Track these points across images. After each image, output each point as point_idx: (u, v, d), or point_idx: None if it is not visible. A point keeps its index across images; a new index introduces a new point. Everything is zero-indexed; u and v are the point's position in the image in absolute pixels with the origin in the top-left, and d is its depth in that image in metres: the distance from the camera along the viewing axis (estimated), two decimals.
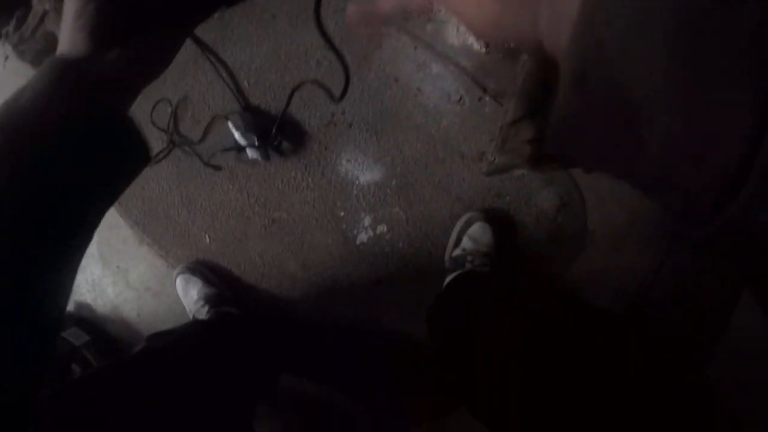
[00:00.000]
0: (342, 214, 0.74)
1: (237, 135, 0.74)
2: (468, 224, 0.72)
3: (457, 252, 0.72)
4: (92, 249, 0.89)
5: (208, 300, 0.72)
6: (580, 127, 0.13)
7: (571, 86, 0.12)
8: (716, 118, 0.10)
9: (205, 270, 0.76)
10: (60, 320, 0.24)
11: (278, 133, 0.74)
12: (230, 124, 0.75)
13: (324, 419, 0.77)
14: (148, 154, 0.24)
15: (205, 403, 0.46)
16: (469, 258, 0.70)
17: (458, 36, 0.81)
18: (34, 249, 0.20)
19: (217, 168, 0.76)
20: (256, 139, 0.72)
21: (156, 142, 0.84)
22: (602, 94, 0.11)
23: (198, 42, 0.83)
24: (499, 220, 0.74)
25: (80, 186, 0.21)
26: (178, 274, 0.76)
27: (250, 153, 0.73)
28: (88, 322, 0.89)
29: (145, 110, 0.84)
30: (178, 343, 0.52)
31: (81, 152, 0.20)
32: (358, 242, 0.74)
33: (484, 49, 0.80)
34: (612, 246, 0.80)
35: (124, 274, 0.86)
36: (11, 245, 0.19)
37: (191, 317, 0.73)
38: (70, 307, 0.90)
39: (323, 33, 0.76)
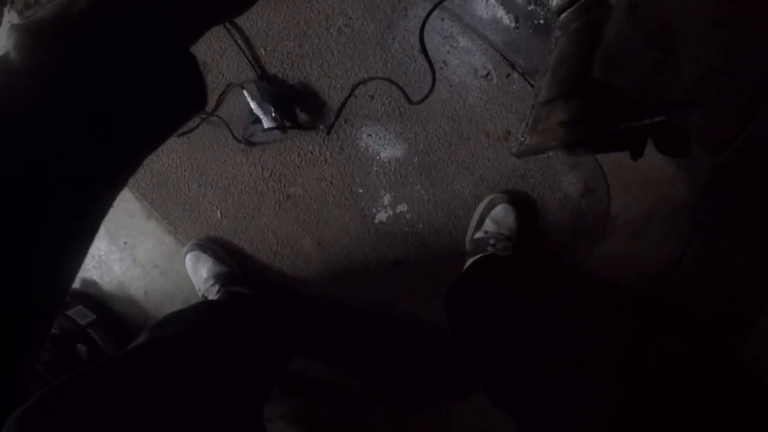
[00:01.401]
0: (360, 191, 0.68)
1: (253, 105, 0.68)
2: (491, 206, 0.67)
3: (479, 234, 0.66)
4: None
5: (219, 279, 0.66)
6: (627, 56, 0.13)
7: (624, 17, 0.13)
8: (746, 39, 0.11)
9: (215, 247, 0.71)
10: (65, 293, 0.21)
11: (295, 101, 0.67)
12: (246, 93, 0.69)
13: (336, 403, 0.72)
14: (204, 98, 0.22)
15: (215, 392, 0.43)
16: (491, 241, 0.65)
17: (487, 8, 0.74)
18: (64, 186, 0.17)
19: (251, 144, 0.69)
20: (272, 109, 0.66)
21: None
22: (648, 22, 0.13)
23: None
24: (522, 202, 0.69)
25: (127, 115, 0.18)
26: (187, 251, 0.71)
27: (266, 123, 0.67)
28: (94, 299, 0.84)
29: None
30: (186, 330, 0.47)
31: (135, 77, 0.18)
32: (376, 221, 0.68)
33: (513, 24, 0.73)
34: (634, 233, 0.75)
35: (131, 250, 0.80)
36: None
37: (200, 296, 0.68)
38: (76, 284, 0.85)
39: None
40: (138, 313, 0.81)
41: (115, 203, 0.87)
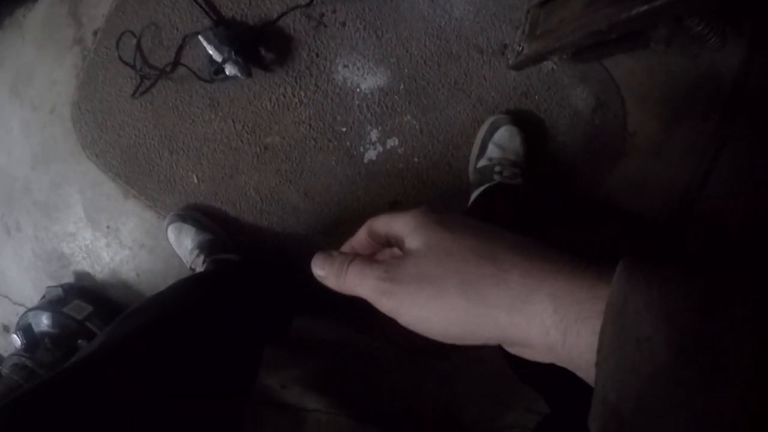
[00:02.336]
0: (344, 129, 0.60)
1: (211, 51, 0.59)
2: (493, 129, 0.58)
3: (483, 162, 0.58)
4: (79, 212, 0.76)
5: (203, 248, 0.60)
6: None
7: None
8: None
9: (197, 215, 0.64)
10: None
11: (257, 42, 0.58)
12: (202, 40, 0.60)
13: (349, 361, 0.66)
14: None
15: (204, 370, 0.40)
16: (497, 168, 0.57)
17: None
18: None
19: (222, 76, 0.61)
20: (233, 54, 0.57)
21: (125, 80, 0.69)
22: None
23: None
24: (528, 123, 0.60)
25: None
26: (168, 224, 0.64)
27: (229, 70, 0.58)
28: (90, 291, 0.79)
29: (109, 48, 0.69)
30: (164, 315, 0.41)
31: None
32: (366, 161, 0.60)
33: None
34: (653, 151, 0.65)
35: (115, 234, 0.74)
36: None
37: (189, 269, 0.61)
38: (70, 278, 0.80)
39: None
40: (134, 297, 0.76)
41: (91, 187, 0.78)
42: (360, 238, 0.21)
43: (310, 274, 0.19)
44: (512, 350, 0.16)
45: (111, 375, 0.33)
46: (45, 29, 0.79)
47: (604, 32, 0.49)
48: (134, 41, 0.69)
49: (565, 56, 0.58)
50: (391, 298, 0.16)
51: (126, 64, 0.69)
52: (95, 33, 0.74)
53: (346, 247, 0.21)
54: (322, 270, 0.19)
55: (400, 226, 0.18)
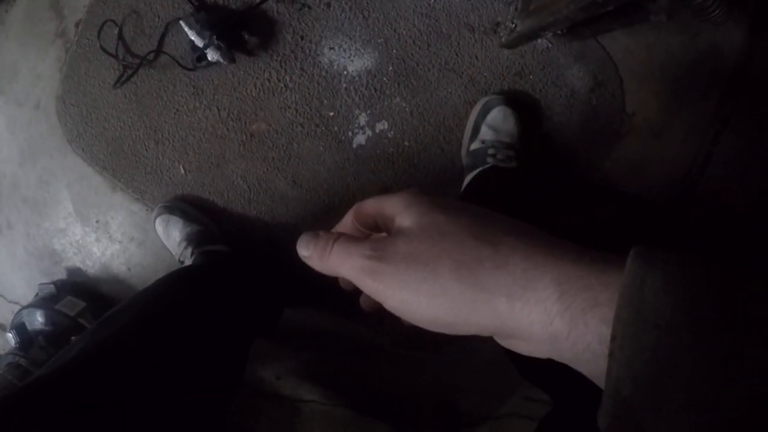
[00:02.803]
0: (331, 114, 0.58)
1: (193, 37, 0.57)
2: (486, 110, 0.56)
3: (476, 145, 0.56)
4: (68, 207, 0.75)
5: (192, 240, 0.59)
6: None
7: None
8: None
9: (184, 206, 0.62)
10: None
11: (240, 26, 0.56)
12: (183, 26, 0.57)
13: (344, 352, 0.65)
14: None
15: (194, 364, 0.39)
16: (491, 151, 0.55)
17: None
18: None
19: (205, 62, 0.59)
20: (215, 39, 0.54)
21: (108, 71, 0.67)
22: None
23: None
24: (522, 103, 0.58)
25: None
26: (155, 217, 0.63)
27: (211, 56, 0.56)
28: (81, 286, 0.78)
29: (91, 39, 0.67)
30: (152, 310, 0.40)
31: None
32: (355, 145, 0.58)
33: None
34: (653, 132, 0.63)
35: (105, 228, 0.72)
36: None
37: (178, 262, 0.60)
38: (63, 274, 0.79)
39: None
40: (126, 291, 0.75)
41: (79, 181, 0.76)
42: (346, 222, 0.19)
43: (300, 263, 0.18)
44: (505, 343, 0.15)
45: (101, 373, 0.32)
46: (27, 24, 0.77)
47: (600, 3, 0.47)
48: (116, 31, 0.67)
49: (559, 32, 0.56)
50: (377, 279, 0.15)
51: (108, 54, 0.67)
52: (77, 24, 0.72)
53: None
54: (306, 250, 0.17)
55: (391, 204, 0.17)
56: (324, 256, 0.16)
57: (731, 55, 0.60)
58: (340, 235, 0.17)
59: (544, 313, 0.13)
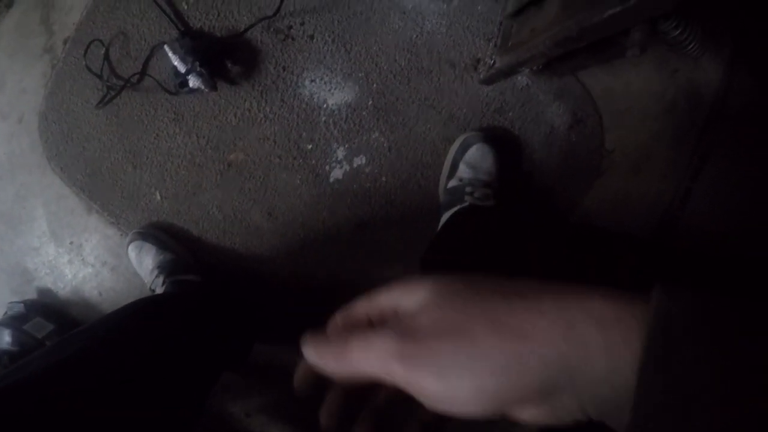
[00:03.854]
0: (309, 147, 0.58)
1: (176, 62, 0.57)
2: (464, 148, 0.56)
3: (453, 183, 0.56)
4: (42, 226, 0.73)
5: (164, 268, 0.58)
6: None
7: None
8: None
9: (158, 233, 0.61)
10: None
11: (224, 54, 0.56)
12: (167, 50, 0.58)
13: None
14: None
15: (155, 385, 0.39)
16: (468, 189, 0.54)
17: None
18: None
19: (187, 88, 0.59)
20: (197, 63, 0.55)
21: (92, 91, 0.67)
22: None
23: None
24: (501, 140, 0.58)
25: None
26: (129, 243, 0.63)
27: (193, 82, 0.56)
28: (52, 308, 0.76)
29: (77, 57, 0.67)
30: (113, 337, 0.39)
31: None
32: (332, 180, 0.58)
33: None
34: (633, 169, 0.64)
35: (78, 250, 0.71)
36: None
37: (149, 290, 0.58)
38: (33, 294, 0.77)
39: None
40: (96, 316, 0.73)
41: (55, 200, 0.75)
42: (333, 333, 0.18)
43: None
44: (545, 415, 0.13)
45: (60, 387, 0.32)
46: (17, 36, 0.77)
47: (575, 39, 0.47)
48: (102, 51, 0.67)
49: (536, 68, 0.56)
50: (409, 362, 0.13)
51: (93, 73, 0.67)
52: (65, 41, 0.73)
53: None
54: (318, 355, 0.15)
55: (390, 295, 0.16)
56: (342, 355, 0.15)
57: (709, 91, 0.61)
58: (352, 327, 0.15)
59: (588, 352, 0.12)
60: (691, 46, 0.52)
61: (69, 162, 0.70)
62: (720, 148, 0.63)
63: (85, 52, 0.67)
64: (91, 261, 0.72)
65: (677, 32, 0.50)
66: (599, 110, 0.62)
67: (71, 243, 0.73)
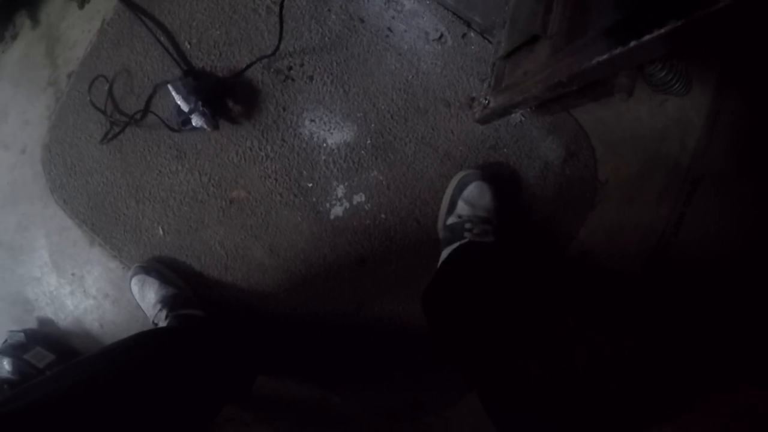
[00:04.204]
0: (310, 185, 0.59)
1: (179, 101, 0.59)
2: (462, 185, 0.58)
3: (452, 219, 0.57)
4: (44, 256, 0.74)
5: (167, 302, 0.59)
6: None
7: None
8: None
9: (161, 268, 0.62)
10: None
11: (225, 94, 0.58)
12: (170, 89, 0.59)
13: (318, 423, 0.63)
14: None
15: (157, 417, 0.40)
16: (467, 225, 0.56)
17: None
18: None
19: (190, 126, 0.61)
20: (200, 103, 0.56)
21: (96, 125, 0.68)
22: None
23: (130, 5, 0.67)
24: (498, 177, 0.60)
25: None
26: (131, 276, 0.63)
27: (195, 121, 0.58)
28: (52, 338, 0.77)
29: (81, 92, 0.69)
30: (112, 370, 0.40)
31: None
32: (332, 217, 0.59)
33: None
34: (626, 198, 0.65)
35: (80, 282, 0.72)
36: None
37: (151, 323, 0.59)
38: (33, 324, 0.77)
39: None
40: (97, 347, 0.73)
41: (58, 232, 0.76)
42: None
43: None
44: None
45: (59, 419, 0.32)
46: (22, 67, 0.79)
47: (566, 83, 0.49)
48: (106, 87, 0.69)
49: (530, 109, 0.58)
50: None
51: (97, 109, 0.68)
52: (69, 76, 0.74)
53: None
54: None
55: None
56: None
57: (699, 116, 0.63)
58: None
59: None
60: (676, 86, 0.54)
61: (72, 194, 0.71)
62: (712, 171, 0.65)
63: (90, 87, 0.69)
64: (93, 293, 0.73)
65: (662, 74, 0.53)
66: (592, 143, 0.64)
67: (73, 274, 0.73)
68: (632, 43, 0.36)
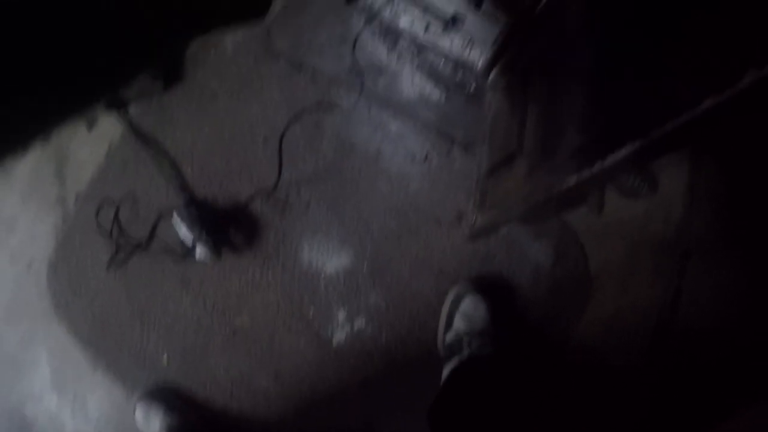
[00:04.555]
0: (312, 311, 0.62)
1: (183, 230, 0.62)
2: (458, 300, 0.61)
3: (451, 336, 0.60)
4: (45, 374, 0.74)
5: (171, 431, 0.57)
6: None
7: None
8: None
9: (166, 395, 0.63)
10: None
11: (227, 222, 0.62)
12: (175, 219, 0.64)
13: None
14: None
15: None
16: (466, 339, 0.58)
17: (414, 86, 0.71)
18: None
19: (193, 255, 0.63)
20: (204, 233, 0.60)
21: (102, 248, 0.71)
22: None
23: (136, 132, 0.72)
24: (491, 287, 0.63)
25: None
26: (136, 402, 0.63)
27: (199, 252, 0.60)
28: None
29: (89, 214, 0.72)
30: None
31: None
32: (334, 343, 0.62)
33: (444, 96, 0.70)
34: (620, 285, 0.68)
35: (82, 404, 0.72)
36: None
37: None
38: None
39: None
40: None
41: (61, 351, 0.74)
42: None
43: None
44: None
45: None
46: (31, 182, 0.82)
47: (543, 204, 0.53)
48: (113, 211, 0.72)
49: (514, 224, 0.62)
50: None
51: (104, 235, 0.71)
52: (77, 196, 0.78)
53: None
54: None
55: None
56: None
57: (678, 194, 0.66)
58: None
59: None
60: (644, 190, 0.58)
61: (76, 315, 0.73)
62: (699, 242, 0.68)
63: (97, 212, 0.72)
64: (95, 416, 0.72)
65: (630, 183, 0.57)
66: (580, 240, 0.67)
67: (74, 395, 0.73)
68: (597, 165, 0.37)
